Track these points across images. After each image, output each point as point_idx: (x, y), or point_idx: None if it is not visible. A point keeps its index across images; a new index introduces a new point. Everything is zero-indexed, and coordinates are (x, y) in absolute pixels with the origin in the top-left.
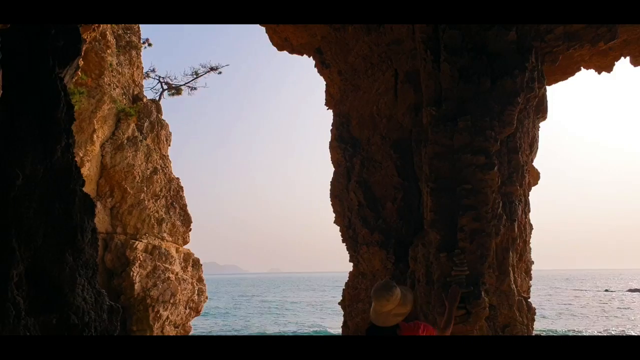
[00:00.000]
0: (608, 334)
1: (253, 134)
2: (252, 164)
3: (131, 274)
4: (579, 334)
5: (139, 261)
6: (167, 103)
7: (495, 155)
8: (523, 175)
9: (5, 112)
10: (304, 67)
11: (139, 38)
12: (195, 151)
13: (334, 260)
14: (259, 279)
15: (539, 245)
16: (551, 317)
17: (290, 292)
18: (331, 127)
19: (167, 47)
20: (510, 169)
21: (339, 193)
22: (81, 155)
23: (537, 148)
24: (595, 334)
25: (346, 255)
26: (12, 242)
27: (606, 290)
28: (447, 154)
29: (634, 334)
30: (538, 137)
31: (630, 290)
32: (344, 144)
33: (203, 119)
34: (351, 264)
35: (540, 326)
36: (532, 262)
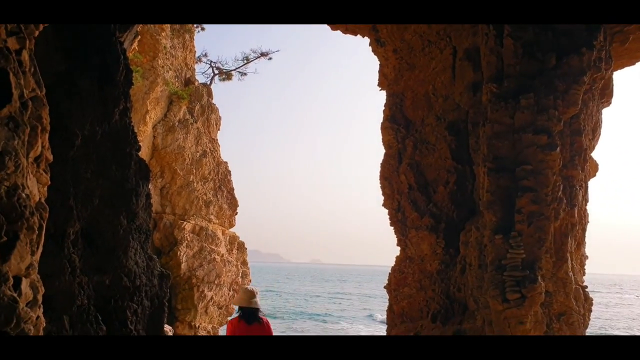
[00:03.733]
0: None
1: (304, 126)
2: (302, 153)
3: (178, 253)
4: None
5: (186, 241)
6: (219, 87)
7: (557, 136)
8: (585, 160)
9: (68, 72)
10: (356, 52)
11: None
12: (243, 138)
13: (377, 253)
14: (299, 269)
15: None
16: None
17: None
18: (383, 108)
19: (220, 32)
20: (572, 152)
21: (388, 175)
22: None
23: (600, 134)
24: None
25: (387, 249)
26: (70, 200)
27: None
28: (507, 133)
29: None
30: (601, 122)
31: None
32: (397, 124)
33: (256, 104)
34: (391, 255)
35: None
36: (587, 257)
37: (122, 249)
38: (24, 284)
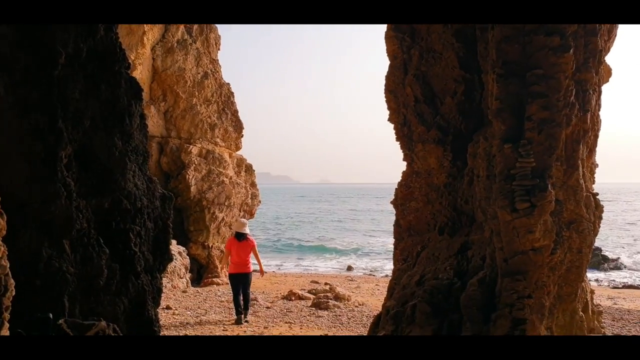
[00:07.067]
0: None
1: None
2: (305, 76)
3: (187, 176)
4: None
5: (193, 165)
6: None
7: (571, 37)
8: (600, 62)
9: None
10: None
11: None
12: (244, 60)
13: (381, 171)
14: (309, 189)
15: None
16: None
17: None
18: None
19: None
20: (586, 54)
21: (394, 88)
22: (132, 58)
23: (616, 35)
24: None
25: (390, 167)
26: (59, 123)
27: None
28: (517, 36)
29: None
30: None
31: None
32: (402, 33)
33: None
34: (397, 170)
35: None
36: (597, 165)
37: (119, 171)
38: None
